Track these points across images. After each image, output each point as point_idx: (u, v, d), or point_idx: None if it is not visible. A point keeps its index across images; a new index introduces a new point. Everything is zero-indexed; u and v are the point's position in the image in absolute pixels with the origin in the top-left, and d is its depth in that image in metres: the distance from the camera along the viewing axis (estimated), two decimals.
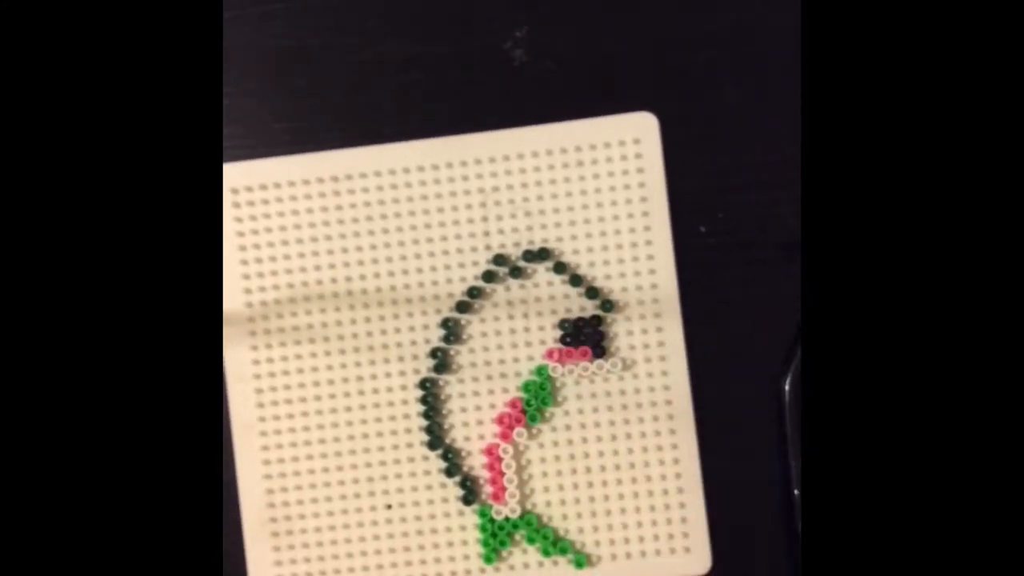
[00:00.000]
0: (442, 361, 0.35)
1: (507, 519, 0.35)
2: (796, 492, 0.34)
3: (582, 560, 0.35)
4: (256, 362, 0.35)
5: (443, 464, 0.35)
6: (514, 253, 0.35)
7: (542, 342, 0.35)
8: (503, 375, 0.35)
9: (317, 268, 0.35)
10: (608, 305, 0.35)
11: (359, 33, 0.36)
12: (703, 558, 0.35)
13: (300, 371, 0.35)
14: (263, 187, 0.36)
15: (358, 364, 0.35)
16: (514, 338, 0.35)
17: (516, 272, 0.35)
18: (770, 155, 0.35)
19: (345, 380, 0.35)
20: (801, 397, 0.34)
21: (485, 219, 0.35)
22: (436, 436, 0.35)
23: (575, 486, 0.35)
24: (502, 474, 0.35)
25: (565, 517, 0.35)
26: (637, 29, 0.36)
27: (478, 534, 0.35)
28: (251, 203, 0.36)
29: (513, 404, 0.35)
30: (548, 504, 0.35)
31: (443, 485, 0.35)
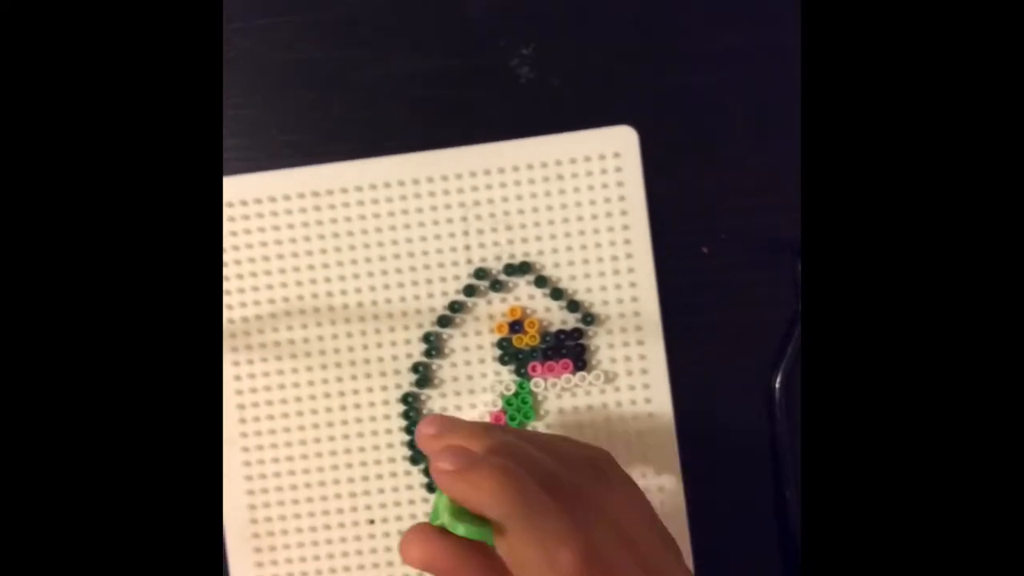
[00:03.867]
0: (424, 376, 0.35)
1: None
2: (787, 493, 0.35)
3: None
4: (238, 378, 0.35)
5: (426, 479, 0.35)
6: (495, 267, 0.35)
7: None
8: (485, 389, 0.35)
9: (298, 284, 0.35)
10: (589, 318, 0.35)
11: (365, 47, 0.36)
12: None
13: (282, 387, 0.35)
14: (244, 203, 0.35)
15: (340, 379, 0.35)
16: (496, 352, 0.35)
17: (497, 286, 0.35)
18: (766, 168, 0.35)
19: (327, 395, 0.35)
20: (796, 399, 0.35)
21: (466, 233, 0.35)
22: (419, 451, 0.35)
23: None
24: None
25: None
26: (640, 48, 0.36)
27: None
28: (231, 219, 0.36)
29: (496, 418, 0.35)
30: None
31: (426, 500, 0.35)
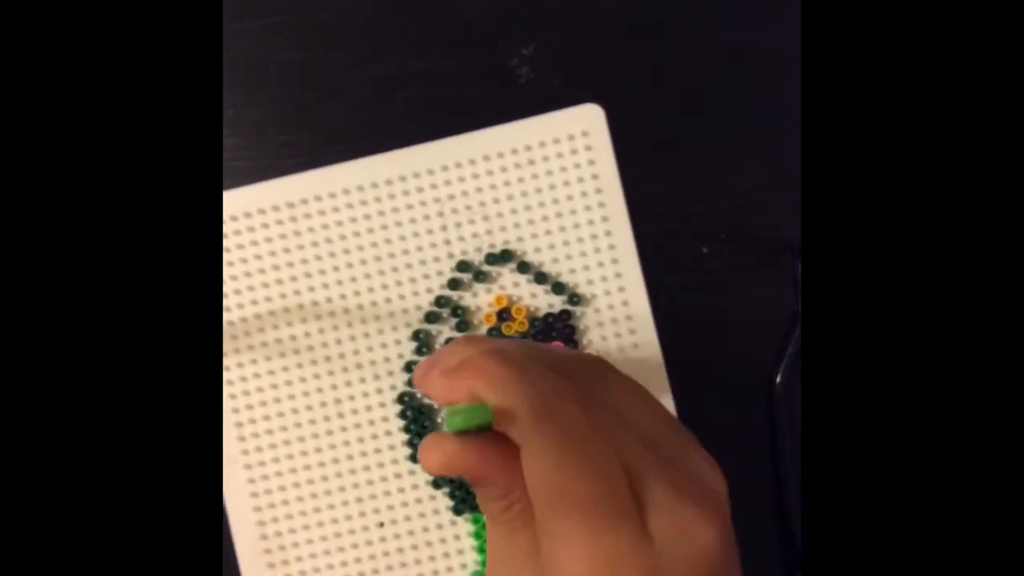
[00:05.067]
0: None
1: None
2: (787, 493, 0.35)
3: None
4: (233, 396, 0.35)
5: (430, 478, 0.35)
6: (477, 258, 0.35)
7: None
8: None
9: (282, 296, 0.35)
10: (576, 299, 0.35)
11: (365, 48, 0.36)
12: None
13: (277, 400, 0.35)
14: (234, 218, 0.36)
15: (334, 387, 0.35)
16: None
17: (481, 276, 0.35)
18: (766, 168, 0.35)
19: (323, 404, 0.35)
20: (797, 399, 0.35)
21: (444, 228, 0.35)
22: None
23: None
24: None
25: None
26: (641, 49, 0.36)
27: (473, 541, 0.35)
28: None
29: None
30: None
31: (432, 497, 0.35)
